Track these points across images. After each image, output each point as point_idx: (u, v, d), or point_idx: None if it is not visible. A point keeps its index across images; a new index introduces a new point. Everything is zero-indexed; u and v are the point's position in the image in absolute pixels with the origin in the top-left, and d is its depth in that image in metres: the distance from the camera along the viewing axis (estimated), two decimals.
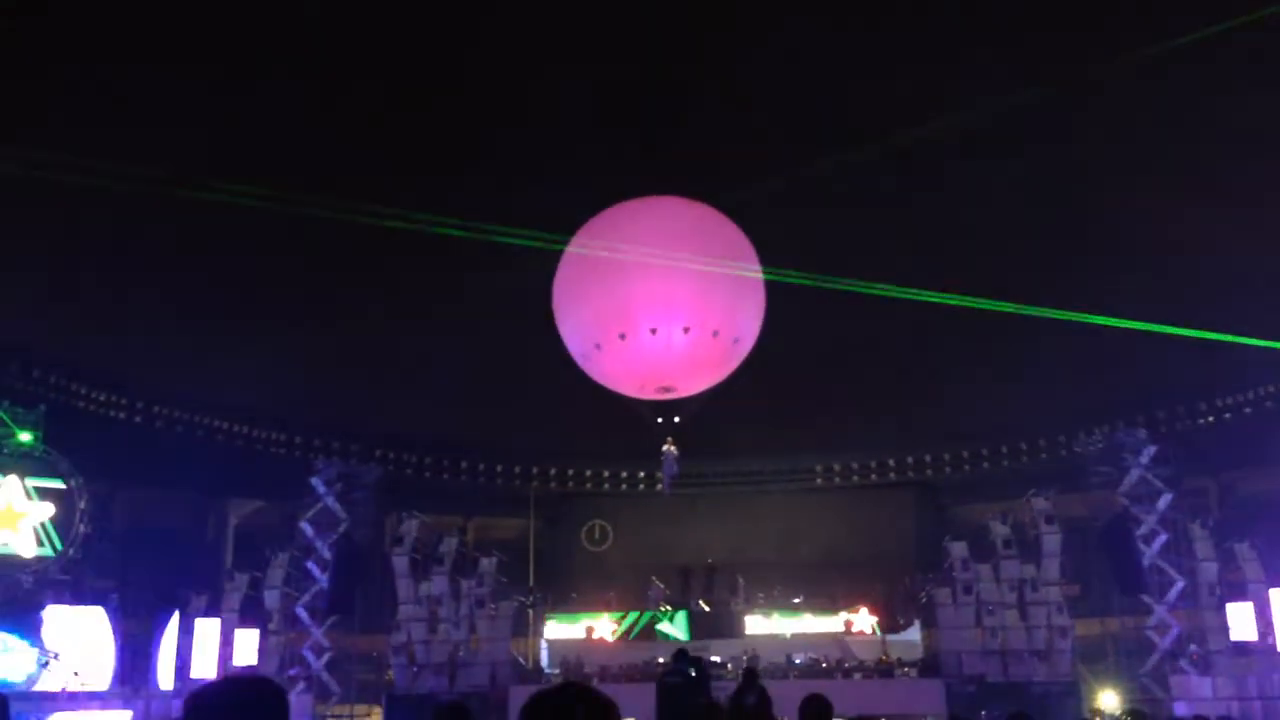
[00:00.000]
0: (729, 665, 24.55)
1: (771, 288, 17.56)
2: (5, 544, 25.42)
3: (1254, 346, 17.21)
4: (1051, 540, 26.77)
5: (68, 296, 25.03)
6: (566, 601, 31.46)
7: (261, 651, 27.53)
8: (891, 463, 34.77)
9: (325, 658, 27.76)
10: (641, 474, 34.21)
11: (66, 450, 26.93)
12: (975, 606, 26.78)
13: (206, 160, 18.60)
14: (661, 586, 30.70)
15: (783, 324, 17.68)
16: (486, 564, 28.49)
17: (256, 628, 27.76)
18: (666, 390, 17.61)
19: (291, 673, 26.76)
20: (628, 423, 19.41)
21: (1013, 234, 23.86)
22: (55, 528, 26.45)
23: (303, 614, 27.76)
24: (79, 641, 24.50)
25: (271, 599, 27.46)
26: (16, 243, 22.71)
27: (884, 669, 26.40)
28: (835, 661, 26.98)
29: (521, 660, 29.37)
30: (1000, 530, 27.22)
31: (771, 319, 18.06)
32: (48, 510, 26.03)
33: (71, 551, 26.61)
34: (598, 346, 17.20)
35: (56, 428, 26.88)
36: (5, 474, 25.74)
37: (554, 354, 18.63)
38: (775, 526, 34.01)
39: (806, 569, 31.63)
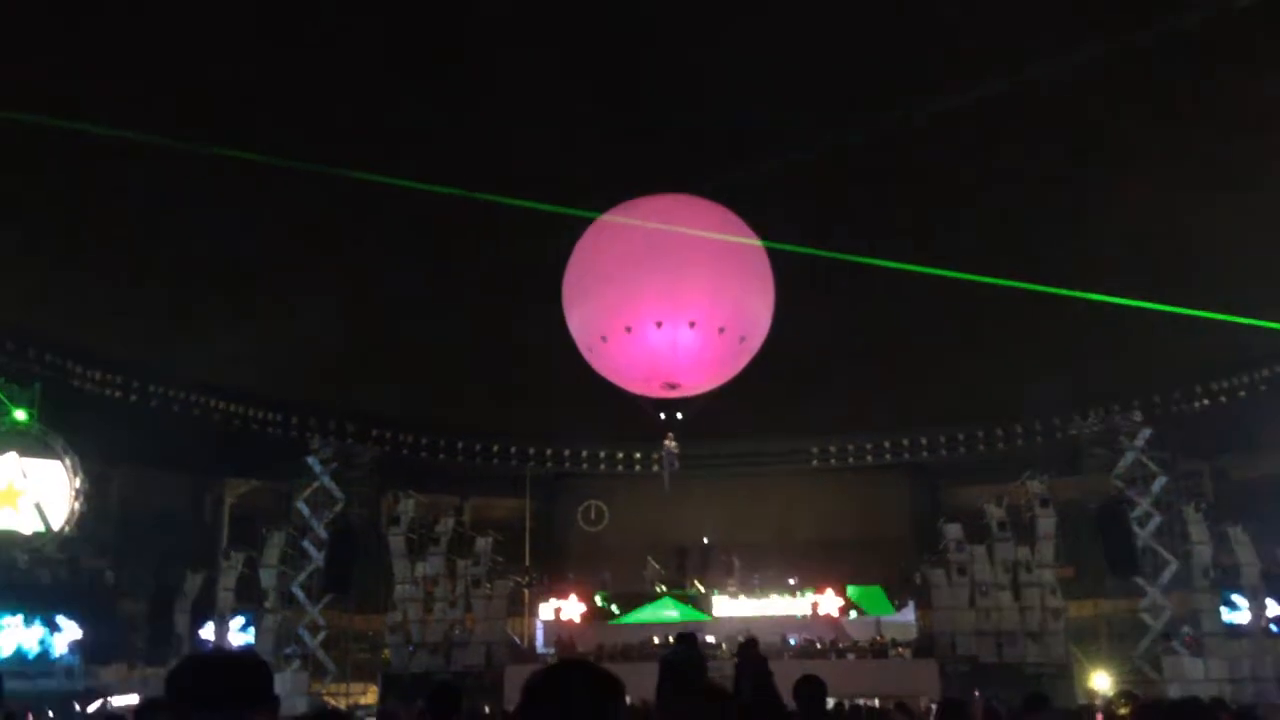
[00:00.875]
0: (723, 645, 24.62)
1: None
2: (5, 522, 25.46)
3: (1249, 330, 17.22)
4: (1046, 522, 26.93)
5: (64, 275, 24.90)
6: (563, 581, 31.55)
7: (257, 630, 27.63)
8: (888, 444, 34.80)
9: (321, 637, 27.87)
10: (638, 455, 34.21)
11: (62, 429, 26.93)
12: (970, 588, 26.95)
13: (206, 134, 18.40)
14: (657, 567, 30.85)
15: (779, 306, 17.58)
16: (482, 544, 28.59)
17: (253, 607, 27.85)
18: (671, 387, 17.45)
19: (287, 651, 26.84)
20: (625, 404, 19.30)
21: (1011, 216, 23.83)
22: (51, 506, 26.48)
23: (299, 593, 27.84)
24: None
25: (267, 578, 27.50)
26: (12, 221, 22.61)
27: (878, 650, 26.55)
28: (830, 642, 27.10)
29: (517, 640, 29.48)
30: (995, 512, 27.38)
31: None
32: (43, 488, 26.04)
33: (67, 530, 26.65)
34: (603, 339, 17.06)
35: (52, 407, 26.88)
36: (2, 452, 25.75)
37: (551, 334, 18.54)
38: (771, 508, 34.12)
39: (802, 549, 31.79)
